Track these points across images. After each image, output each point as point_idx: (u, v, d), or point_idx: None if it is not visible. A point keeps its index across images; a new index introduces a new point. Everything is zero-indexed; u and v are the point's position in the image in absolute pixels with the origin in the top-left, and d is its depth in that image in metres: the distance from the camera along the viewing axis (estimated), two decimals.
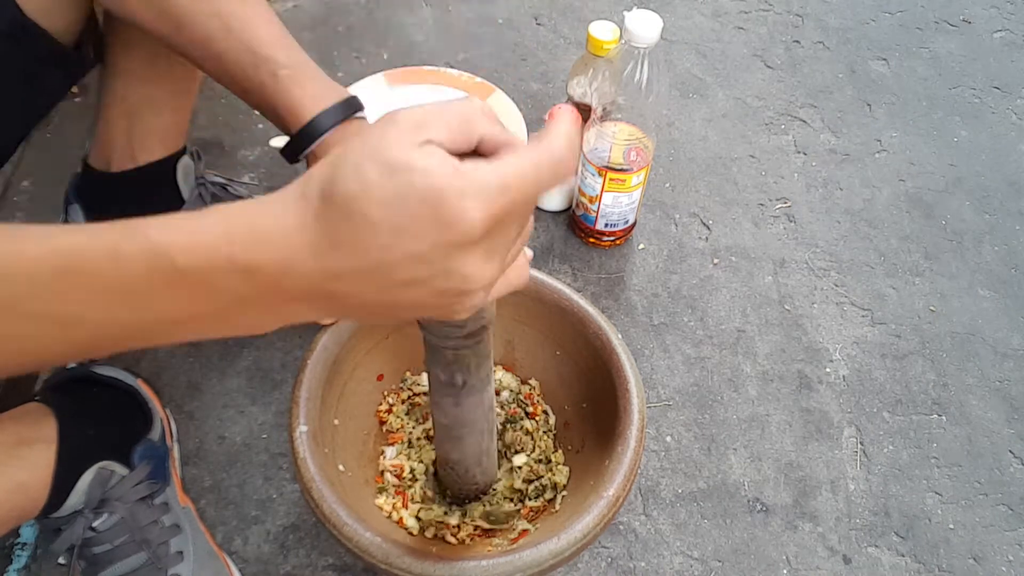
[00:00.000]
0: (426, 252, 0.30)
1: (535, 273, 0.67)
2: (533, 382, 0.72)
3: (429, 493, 0.66)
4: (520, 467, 0.68)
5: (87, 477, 0.63)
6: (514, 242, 0.34)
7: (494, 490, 0.66)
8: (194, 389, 0.82)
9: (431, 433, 0.70)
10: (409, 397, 0.71)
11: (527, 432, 0.70)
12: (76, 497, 0.62)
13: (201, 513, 0.72)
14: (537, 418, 0.71)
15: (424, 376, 0.72)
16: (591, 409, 0.66)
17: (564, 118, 0.34)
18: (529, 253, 0.43)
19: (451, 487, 0.64)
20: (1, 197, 0.96)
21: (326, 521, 0.52)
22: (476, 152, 0.33)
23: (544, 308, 0.66)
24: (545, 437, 0.70)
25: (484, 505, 0.65)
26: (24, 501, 0.59)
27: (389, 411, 0.70)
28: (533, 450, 0.69)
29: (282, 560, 0.72)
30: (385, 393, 0.71)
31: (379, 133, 0.31)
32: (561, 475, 0.67)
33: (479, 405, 0.54)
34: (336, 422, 0.62)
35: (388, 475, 0.67)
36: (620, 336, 0.64)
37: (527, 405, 0.71)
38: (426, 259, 0.30)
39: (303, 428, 0.56)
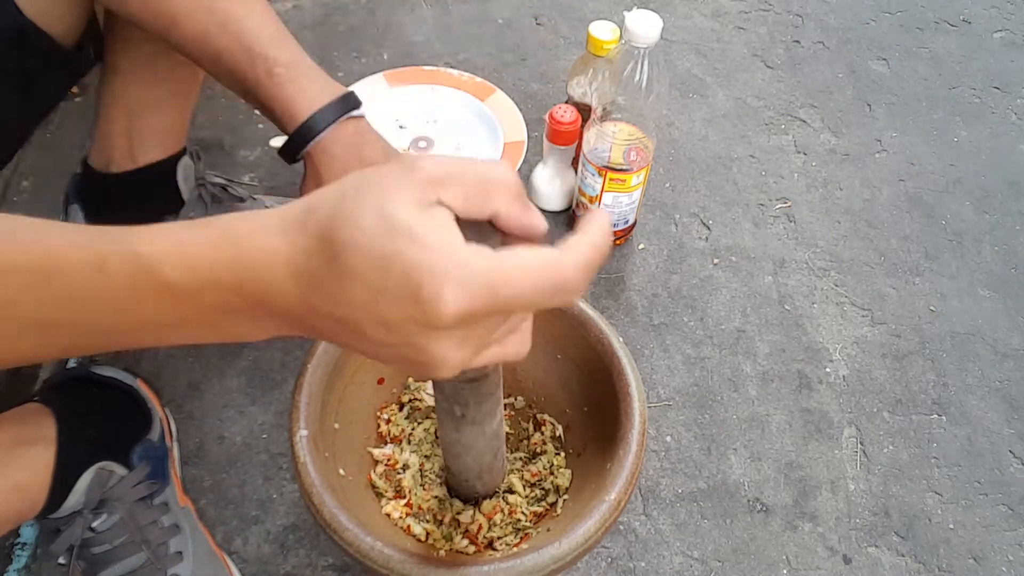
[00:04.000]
0: (397, 322, 0.29)
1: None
2: (536, 396, 0.72)
3: (422, 485, 0.66)
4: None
5: (86, 477, 0.63)
6: (498, 332, 0.33)
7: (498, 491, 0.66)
8: (194, 389, 0.82)
9: (431, 430, 0.71)
10: (410, 401, 0.71)
11: (533, 444, 0.70)
12: (75, 497, 0.62)
13: (201, 513, 0.72)
14: (544, 429, 0.71)
15: (427, 385, 0.72)
16: (592, 413, 0.66)
17: (595, 233, 0.31)
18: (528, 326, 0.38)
19: (454, 488, 0.65)
20: (1, 197, 0.96)
21: (326, 526, 0.52)
22: (491, 223, 0.32)
23: (544, 311, 0.66)
24: (549, 444, 0.70)
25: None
26: (23, 502, 0.59)
27: (388, 422, 0.70)
28: (536, 461, 0.69)
29: (282, 560, 0.72)
30: (385, 402, 0.70)
31: (394, 181, 0.29)
32: (563, 478, 0.67)
33: (480, 435, 0.53)
34: (336, 426, 0.62)
35: (380, 466, 0.67)
36: (621, 339, 0.64)
37: (534, 416, 0.72)
38: (395, 328, 0.29)
39: (303, 432, 0.56)
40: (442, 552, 0.63)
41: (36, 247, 0.31)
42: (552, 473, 0.68)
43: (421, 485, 0.67)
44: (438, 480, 0.68)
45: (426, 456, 0.69)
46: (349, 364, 0.64)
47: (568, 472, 0.67)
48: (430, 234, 0.28)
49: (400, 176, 0.30)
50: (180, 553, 0.66)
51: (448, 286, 0.28)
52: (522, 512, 0.66)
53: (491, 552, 0.63)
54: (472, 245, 0.29)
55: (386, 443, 0.69)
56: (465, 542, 0.63)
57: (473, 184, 0.30)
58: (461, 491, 0.64)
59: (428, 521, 0.65)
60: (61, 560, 0.64)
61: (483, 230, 0.32)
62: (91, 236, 0.31)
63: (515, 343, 0.35)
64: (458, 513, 0.65)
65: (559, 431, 0.70)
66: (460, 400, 0.49)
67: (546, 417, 0.71)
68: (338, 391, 0.62)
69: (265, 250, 0.30)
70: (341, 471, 0.61)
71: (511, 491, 0.67)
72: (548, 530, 0.62)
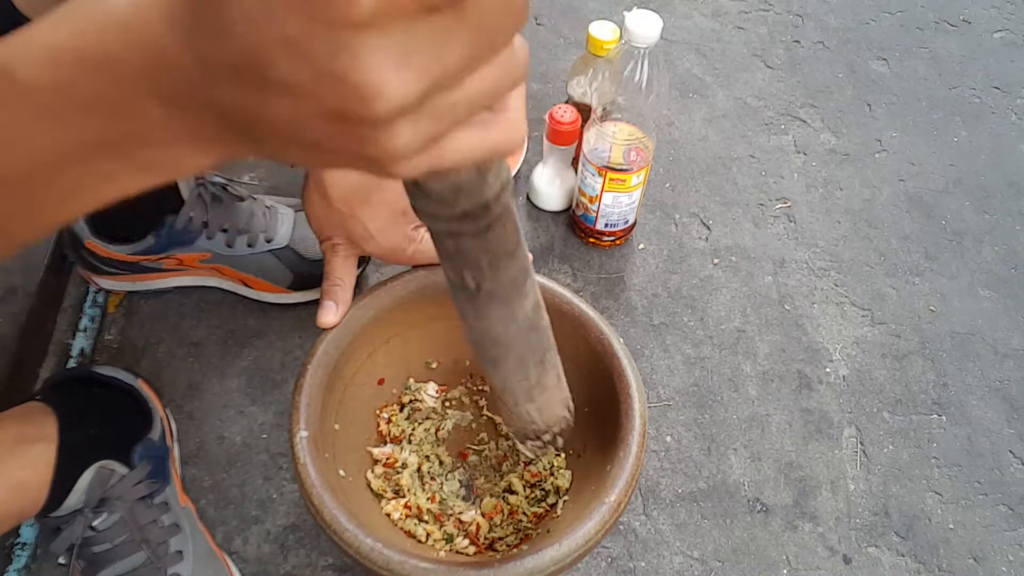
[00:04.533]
0: (298, 35, 0.20)
1: (535, 276, 0.66)
2: None
3: (422, 486, 0.66)
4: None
5: (87, 476, 0.63)
6: (460, 57, 0.23)
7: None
8: (194, 389, 0.82)
9: (431, 431, 0.71)
10: (411, 402, 0.71)
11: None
12: (76, 496, 0.62)
13: (201, 513, 0.72)
14: None
15: (427, 386, 0.72)
16: (592, 413, 0.66)
17: None
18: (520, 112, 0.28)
19: (512, 426, 0.54)
20: None
21: (327, 527, 0.52)
22: None
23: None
24: None
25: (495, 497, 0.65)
26: (24, 500, 0.59)
27: (389, 422, 0.70)
28: (536, 462, 0.69)
29: (282, 560, 0.72)
30: (386, 402, 0.70)
31: None
32: (563, 479, 0.67)
33: (510, 320, 0.42)
34: (336, 427, 0.62)
35: (379, 466, 0.67)
36: (622, 340, 0.64)
37: None
38: (299, 46, 0.21)
39: (303, 433, 0.56)
40: (442, 553, 0.63)
41: None
42: (552, 474, 0.68)
43: (421, 485, 0.67)
44: (439, 480, 0.68)
45: (426, 456, 0.69)
46: (349, 364, 0.64)
47: (568, 473, 0.67)
48: None
49: None
50: (180, 552, 0.66)
51: None
52: (523, 512, 0.66)
53: (491, 553, 0.63)
54: None
55: (386, 443, 0.69)
56: (466, 543, 0.63)
57: None
58: (515, 425, 0.53)
59: (428, 522, 0.65)
60: (61, 560, 0.64)
61: None
62: None
63: (504, 126, 0.27)
64: (459, 514, 0.65)
65: None
66: (468, 260, 0.38)
67: None
68: (338, 392, 0.62)
69: (128, 1, 0.23)
70: (341, 472, 0.61)
71: (511, 491, 0.68)
72: (548, 531, 0.62)
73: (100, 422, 0.67)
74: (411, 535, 0.64)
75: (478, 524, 0.64)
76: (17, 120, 0.25)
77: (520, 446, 0.55)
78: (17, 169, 0.27)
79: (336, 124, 0.23)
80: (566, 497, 0.65)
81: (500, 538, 0.64)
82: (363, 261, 0.85)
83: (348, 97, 0.21)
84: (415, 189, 0.34)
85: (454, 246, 0.37)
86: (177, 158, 0.27)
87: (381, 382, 0.69)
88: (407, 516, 0.65)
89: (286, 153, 0.26)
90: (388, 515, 0.64)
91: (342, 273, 0.64)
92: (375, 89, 0.21)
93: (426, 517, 0.65)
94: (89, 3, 0.24)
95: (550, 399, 0.50)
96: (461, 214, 0.34)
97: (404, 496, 0.65)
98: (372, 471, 0.66)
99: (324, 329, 0.62)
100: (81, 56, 0.24)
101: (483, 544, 0.64)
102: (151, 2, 0.23)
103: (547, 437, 0.53)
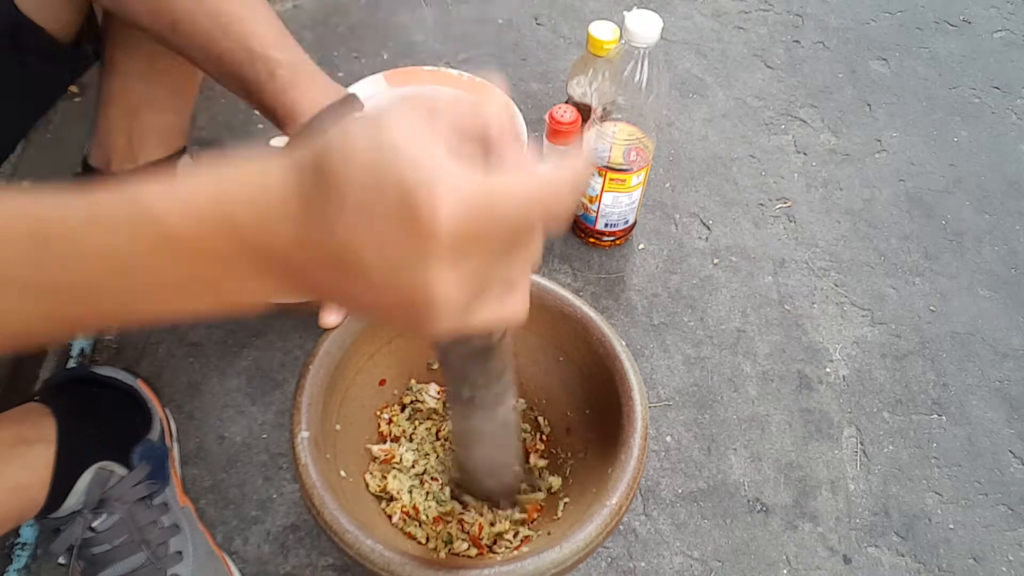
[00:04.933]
0: (387, 242, 0.28)
1: (536, 278, 0.66)
2: (538, 399, 0.72)
3: (423, 486, 0.66)
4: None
5: (86, 477, 0.63)
6: (499, 267, 0.31)
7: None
8: (194, 389, 0.82)
9: (432, 430, 0.71)
10: (412, 402, 0.71)
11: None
12: (75, 497, 0.62)
13: (201, 513, 0.72)
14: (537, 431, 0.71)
15: (429, 387, 0.72)
16: (594, 415, 0.66)
17: (578, 155, 0.32)
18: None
19: (467, 487, 0.63)
20: None
21: (327, 528, 0.52)
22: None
23: (547, 314, 0.66)
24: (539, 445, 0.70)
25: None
26: (23, 501, 0.59)
27: (390, 422, 0.70)
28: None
29: (282, 560, 0.72)
30: (387, 403, 0.70)
31: (387, 112, 0.29)
32: (555, 482, 0.67)
33: (490, 420, 0.52)
34: (338, 427, 0.62)
35: (377, 463, 0.67)
36: (624, 343, 0.64)
37: (535, 419, 0.72)
38: (386, 250, 0.28)
39: (305, 434, 0.56)
40: (442, 555, 0.63)
41: (33, 207, 0.30)
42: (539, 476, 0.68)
43: (422, 486, 0.67)
44: (440, 481, 0.68)
45: (425, 455, 0.69)
46: (351, 365, 0.64)
47: (558, 479, 0.67)
48: (424, 150, 0.28)
49: (393, 108, 0.29)
50: (180, 553, 0.66)
51: (444, 197, 0.27)
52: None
53: (492, 555, 0.63)
54: (465, 162, 0.28)
55: (386, 443, 0.69)
56: (466, 545, 0.63)
57: (469, 112, 0.31)
58: (475, 490, 0.62)
59: (429, 523, 0.65)
60: (61, 560, 0.64)
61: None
62: (88, 192, 0.31)
63: (514, 304, 0.34)
64: (460, 514, 0.65)
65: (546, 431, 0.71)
66: (468, 378, 0.48)
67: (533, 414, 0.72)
68: (339, 392, 0.62)
69: (262, 184, 0.30)
70: (342, 472, 0.60)
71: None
72: (549, 533, 0.62)
73: (99, 423, 0.67)
74: (411, 537, 0.64)
75: (480, 525, 0.64)
76: (142, 257, 0.30)
77: (496, 511, 0.64)
78: (117, 294, 0.32)
79: (399, 304, 0.29)
80: (566, 499, 0.65)
81: (501, 534, 0.64)
82: None
83: (415, 287, 0.28)
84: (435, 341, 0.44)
85: (459, 365, 0.47)
86: (248, 296, 0.32)
87: (383, 383, 0.69)
88: (407, 518, 0.65)
89: (346, 308, 0.32)
90: (389, 516, 0.64)
91: None
92: (439, 294, 0.28)
93: (423, 517, 0.65)
94: (226, 170, 0.30)
95: (506, 476, 0.60)
96: (472, 353, 0.45)
97: (404, 497, 0.65)
98: (370, 472, 0.66)
99: (326, 329, 0.62)
100: (214, 220, 0.29)
101: (484, 545, 0.64)
102: (275, 192, 0.29)
103: (502, 503, 0.63)
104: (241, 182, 0.30)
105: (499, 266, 0.31)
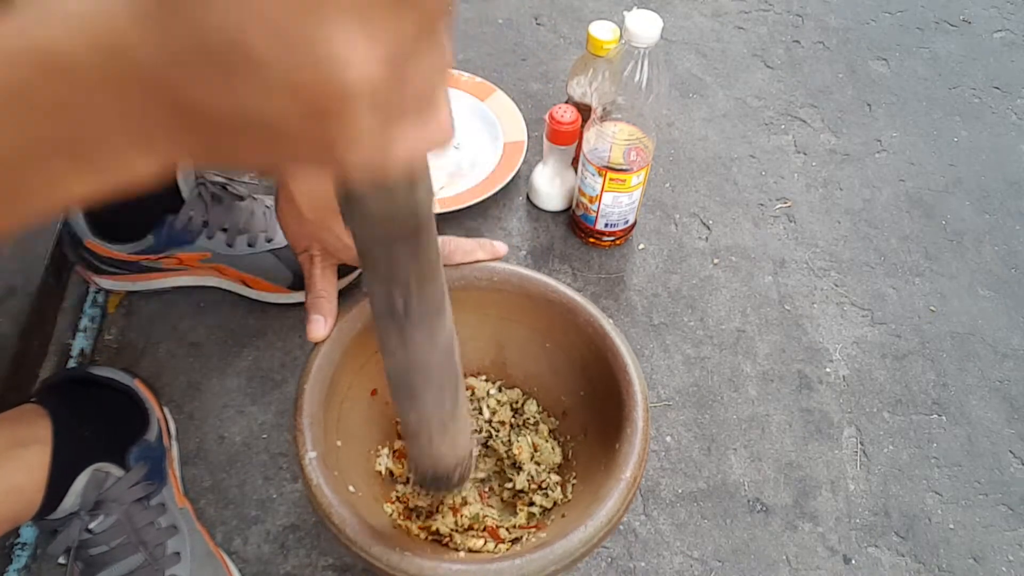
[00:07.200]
0: (277, 13, 0.22)
1: (519, 269, 0.67)
2: (529, 387, 0.72)
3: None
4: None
5: (82, 479, 0.62)
6: (412, 62, 0.25)
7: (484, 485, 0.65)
8: (194, 389, 0.82)
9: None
10: None
11: (533, 444, 0.70)
12: (72, 499, 0.62)
13: (201, 513, 0.72)
14: (540, 425, 0.71)
15: None
16: (589, 397, 0.66)
17: None
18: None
19: (419, 468, 0.57)
20: None
21: (352, 544, 0.51)
22: None
23: (531, 303, 0.67)
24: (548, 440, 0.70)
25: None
26: (19, 503, 0.59)
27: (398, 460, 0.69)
28: (534, 459, 0.69)
29: (282, 560, 0.71)
30: (380, 412, 0.69)
31: None
32: (553, 456, 0.68)
33: (432, 346, 0.46)
34: (339, 443, 0.62)
35: (386, 458, 0.67)
36: (612, 321, 0.64)
37: (525, 414, 0.71)
38: (277, 23, 0.22)
39: (312, 454, 0.55)
40: (462, 554, 0.62)
41: None
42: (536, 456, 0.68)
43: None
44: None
45: None
46: (343, 380, 0.63)
47: (557, 449, 0.68)
48: None
49: None
50: (178, 554, 0.65)
51: None
52: (552, 460, 0.67)
53: (514, 547, 0.62)
54: None
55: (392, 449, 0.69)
56: (482, 541, 0.63)
57: None
58: (426, 466, 0.56)
59: (445, 534, 0.64)
60: (61, 560, 0.64)
61: None
62: None
63: (438, 122, 0.29)
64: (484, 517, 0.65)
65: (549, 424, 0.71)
66: (397, 277, 0.41)
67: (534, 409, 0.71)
68: (335, 408, 0.62)
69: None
70: (351, 487, 0.60)
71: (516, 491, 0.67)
72: (563, 516, 0.62)
73: (95, 424, 0.67)
74: (429, 539, 0.63)
75: (496, 524, 0.64)
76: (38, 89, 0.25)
77: (418, 492, 0.61)
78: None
79: (302, 103, 0.24)
80: (575, 480, 0.65)
81: (514, 525, 0.64)
82: (347, 271, 0.83)
83: (320, 68, 0.23)
84: (352, 202, 0.37)
85: (386, 259, 0.40)
86: (127, 160, 0.27)
87: (374, 393, 0.69)
88: (409, 518, 0.64)
89: (239, 148, 0.26)
90: (400, 526, 0.64)
91: (323, 284, 0.63)
92: (346, 61, 0.23)
93: (441, 528, 0.64)
94: (46, 3, 0.24)
95: (462, 428, 0.54)
96: (398, 224, 0.37)
97: (408, 498, 0.65)
98: (382, 454, 0.66)
99: (316, 343, 0.61)
100: (37, 58, 0.24)
101: (506, 541, 0.63)
102: (124, 6, 0.23)
103: (455, 477, 0.56)
104: (57, 5, 0.24)
105: (412, 60, 0.26)
